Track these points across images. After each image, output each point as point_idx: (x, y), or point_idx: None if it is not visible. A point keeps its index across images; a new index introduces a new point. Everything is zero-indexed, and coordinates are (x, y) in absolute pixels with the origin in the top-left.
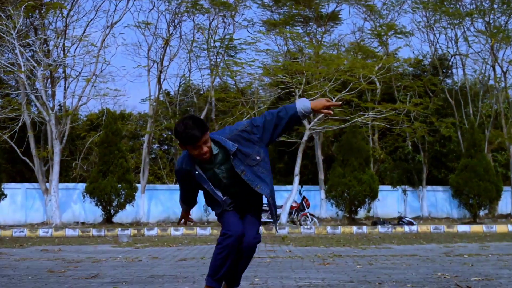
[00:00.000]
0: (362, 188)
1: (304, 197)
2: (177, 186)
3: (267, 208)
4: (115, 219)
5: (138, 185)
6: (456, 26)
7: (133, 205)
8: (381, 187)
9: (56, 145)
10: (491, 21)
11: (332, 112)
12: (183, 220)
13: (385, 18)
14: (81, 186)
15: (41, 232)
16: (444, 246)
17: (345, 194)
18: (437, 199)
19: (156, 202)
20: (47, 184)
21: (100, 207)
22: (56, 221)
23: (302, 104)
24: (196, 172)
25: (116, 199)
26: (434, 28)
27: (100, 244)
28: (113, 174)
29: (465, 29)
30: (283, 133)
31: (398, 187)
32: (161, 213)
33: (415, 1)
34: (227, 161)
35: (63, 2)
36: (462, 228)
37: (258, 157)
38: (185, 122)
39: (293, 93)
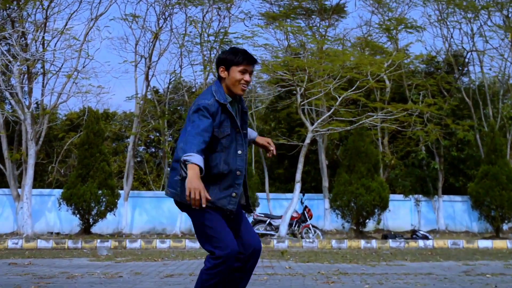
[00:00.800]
0: (371, 197)
1: (306, 207)
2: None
3: (264, 219)
4: (94, 229)
5: (121, 191)
6: (472, 20)
7: (114, 214)
8: (392, 196)
9: (31, 146)
10: (509, 15)
11: (269, 155)
12: (202, 195)
13: (395, 12)
14: (57, 192)
15: (10, 243)
16: (463, 264)
17: (352, 204)
18: (454, 211)
19: (140, 211)
20: (19, 190)
21: (78, 215)
22: (28, 231)
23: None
24: (229, 108)
25: (96, 207)
26: (448, 22)
27: (76, 257)
28: (94, 179)
29: (482, 23)
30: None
31: (411, 196)
32: (146, 223)
33: None
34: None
35: None
36: (483, 243)
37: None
38: (241, 49)
39: (294, 91)
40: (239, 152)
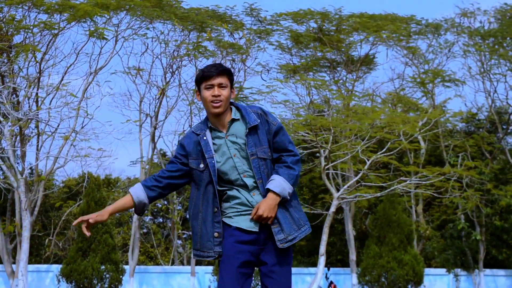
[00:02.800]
0: (404, 272)
1: (331, 282)
2: (174, 268)
3: None
4: None
5: (126, 266)
6: None
7: None
8: (427, 270)
9: (25, 217)
10: None
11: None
12: (83, 221)
13: (431, 63)
14: (56, 267)
15: None
16: None
17: (383, 279)
18: (497, 286)
19: None
20: (13, 266)
21: None
22: None
23: (272, 182)
24: (204, 138)
25: (99, 284)
26: (491, 75)
27: None
28: (95, 253)
29: None
30: None
31: (445, 270)
32: None
33: (466, 43)
34: (243, 136)
35: (36, 44)
36: None
37: (269, 153)
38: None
39: (318, 154)
40: (215, 190)
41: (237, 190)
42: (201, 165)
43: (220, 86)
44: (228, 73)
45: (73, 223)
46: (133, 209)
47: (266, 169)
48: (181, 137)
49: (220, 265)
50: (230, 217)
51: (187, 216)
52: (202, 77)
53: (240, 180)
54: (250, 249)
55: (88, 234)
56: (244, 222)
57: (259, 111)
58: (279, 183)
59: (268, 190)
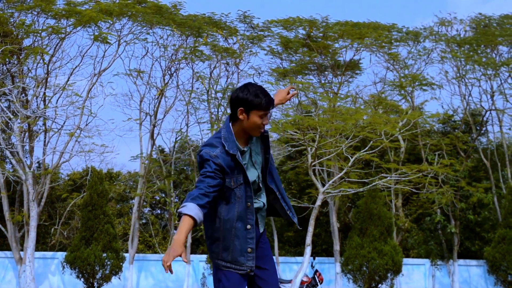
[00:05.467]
0: (384, 261)
1: (316, 271)
2: None
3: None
4: None
5: (126, 254)
6: (492, 78)
7: (119, 278)
8: (405, 260)
9: (33, 207)
10: None
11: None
12: (165, 266)
13: (411, 68)
14: (61, 255)
15: None
16: None
17: (364, 268)
18: (470, 275)
19: (146, 275)
20: (21, 253)
21: (82, 279)
22: None
23: None
24: (239, 157)
25: (101, 271)
26: (466, 80)
27: None
28: (98, 242)
29: (502, 81)
30: None
31: (425, 260)
32: (152, 287)
33: (443, 50)
34: (260, 153)
35: (44, 47)
36: None
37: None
38: (259, 87)
39: (305, 152)
40: (248, 204)
41: (257, 198)
42: (233, 182)
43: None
44: None
45: (167, 269)
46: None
47: (274, 170)
48: (209, 154)
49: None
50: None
51: (206, 231)
52: (266, 107)
53: (257, 184)
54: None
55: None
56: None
57: None
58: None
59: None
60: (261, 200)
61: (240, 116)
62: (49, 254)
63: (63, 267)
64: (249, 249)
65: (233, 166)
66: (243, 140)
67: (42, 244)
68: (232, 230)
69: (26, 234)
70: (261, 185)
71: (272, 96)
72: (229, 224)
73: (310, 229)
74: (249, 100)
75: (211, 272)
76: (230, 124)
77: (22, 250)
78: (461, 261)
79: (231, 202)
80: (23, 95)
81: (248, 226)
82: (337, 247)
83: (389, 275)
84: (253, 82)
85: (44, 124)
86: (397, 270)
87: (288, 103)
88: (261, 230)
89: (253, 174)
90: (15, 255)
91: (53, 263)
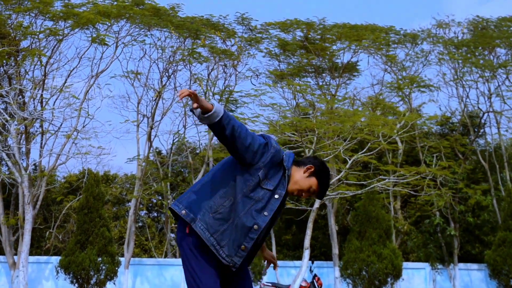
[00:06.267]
0: (383, 265)
1: (315, 275)
2: (167, 260)
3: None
4: None
5: (121, 258)
6: (489, 80)
7: (114, 283)
8: (405, 264)
9: (28, 211)
10: None
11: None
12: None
13: (408, 70)
14: (55, 259)
15: None
16: None
17: (364, 272)
18: (471, 279)
19: (142, 280)
20: (15, 257)
21: (76, 284)
22: None
23: None
24: (286, 176)
25: (95, 276)
26: (464, 82)
27: None
28: (93, 246)
29: (499, 83)
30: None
31: (426, 264)
32: None
33: (441, 52)
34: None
35: (42, 48)
36: None
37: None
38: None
39: (303, 154)
40: (265, 213)
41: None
42: (266, 181)
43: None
44: None
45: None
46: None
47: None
48: (275, 141)
49: None
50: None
51: (213, 204)
52: (321, 189)
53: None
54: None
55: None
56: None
57: None
58: None
59: None
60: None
61: (306, 171)
62: (43, 258)
63: (57, 272)
64: (243, 246)
65: (278, 173)
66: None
67: (36, 248)
68: (237, 219)
69: (20, 238)
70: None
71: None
72: (239, 211)
73: (308, 232)
74: (325, 173)
75: None
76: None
77: (16, 254)
78: (462, 265)
79: (250, 196)
80: (20, 97)
81: (255, 226)
82: (335, 250)
83: (389, 279)
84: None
85: (41, 126)
86: (397, 275)
87: (286, 106)
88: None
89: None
90: (8, 259)
91: (47, 267)
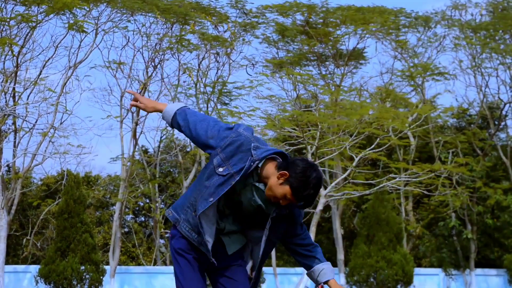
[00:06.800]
0: (393, 272)
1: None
2: (157, 268)
3: None
4: None
5: (106, 267)
6: (511, 67)
7: None
8: (417, 270)
9: (2, 216)
10: None
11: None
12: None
13: (421, 57)
14: (34, 268)
15: None
16: None
17: (371, 279)
18: (489, 286)
19: None
20: None
21: None
22: None
23: (328, 271)
24: (251, 164)
25: (79, 285)
26: (482, 69)
27: None
28: (75, 253)
29: None
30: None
31: (439, 270)
32: None
33: (457, 36)
34: (266, 203)
35: (13, 37)
36: None
37: (280, 238)
38: (319, 179)
39: (304, 150)
40: (210, 199)
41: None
42: (224, 171)
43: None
44: None
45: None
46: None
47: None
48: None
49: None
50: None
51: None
52: (297, 202)
53: (227, 224)
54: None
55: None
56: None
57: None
58: (331, 270)
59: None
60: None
61: (279, 177)
62: (21, 267)
63: (37, 282)
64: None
65: (241, 161)
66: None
67: (13, 256)
68: (195, 204)
69: None
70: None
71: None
72: (194, 200)
73: (311, 236)
74: (301, 183)
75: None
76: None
77: None
78: (479, 270)
79: (205, 184)
80: None
81: (194, 213)
82: (341, 256)
83: (399, 286)
84: (321, 176)
85: (14, 123)
86: (408, 281)
87: (285, 98)
88: (229, 252)
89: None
90: None
91: (26, 277)
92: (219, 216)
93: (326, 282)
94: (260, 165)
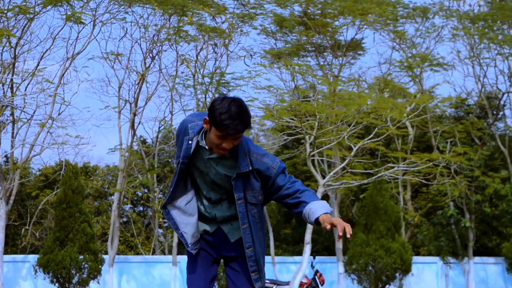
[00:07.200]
0: (391, 260)
1: (317, 271)
2: (155, 257)
3: (270, 285)
4: None
5: (105, 256)
6: (508, 57)
7: (98, 282)
8: (415, 258)
9: (1, 206)
10: None
11: (340, 234)
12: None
13: (419, 48)
14: (33, 258)
15: None
16: None
17: (370, 268)
18: (487, 274)
19: (128, 278)
20: None
21: (57, 284)
22: None
23: (317, 208)
24: (189, 142)
25: (77, 275)
26: (480, 60)
27: None
28: (73, 243)
29: None
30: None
31: (437, 258)
32: None
33: (455, 27)
34: (230, 170)
35: (11, 28)
36: None
37: (260, 197)
38: (238, 105)
39: (303, 140)
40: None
41: (200, 201)
42: (174, 161)
43: (235, 140)
44: (249, 127)
45: None
46: None
47: (257, 213)
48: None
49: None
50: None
51: None
52: (227, 134)
53: (207, 191)
54: (209, 246)
55: None
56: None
57: (262, 157)
58: (322, 206)
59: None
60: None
61: (205, 126)
62: (19, 257)
63: (36, 271)
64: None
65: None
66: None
67: (11, 246)
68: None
69: None
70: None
71: (246, 122)
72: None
73: (310, 225)
74: (215, 113)
75: None
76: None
77: None
78: (477, 259)
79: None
80: None
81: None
82: (339, 245)
83: (397, 275)
84: (239, 99)
85: (12, 114)
86: (406, 270)
87: (284, 88)
88: (231, 240)
89: (202, 178)
90: None
91: (24, 267)
92: (211, 205)
93: (317, 221)
94: (202, 139)
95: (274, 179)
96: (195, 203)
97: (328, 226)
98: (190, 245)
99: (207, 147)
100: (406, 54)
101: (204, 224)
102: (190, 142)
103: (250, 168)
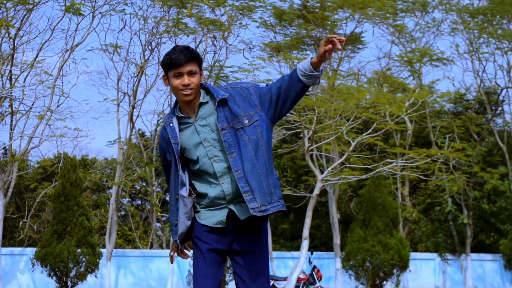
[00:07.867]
0: (389, 256)
1: (314, 267)
2: (153, 252)
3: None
4: None
5: (103, 250)
6: (507, 52)
7: (96, 276)
8: (413, 254)
9: None
10: None
11: (339, 47)
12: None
13: (418, 42)
14: (30, 251)
15: None
16: None
17: (367, 264)
18: (485, 271)
19: (125, 272)
20: None
21: (54, 278)
22: None
23: (303, 62)
24: (170, 125)
25: (75, 268)
26: (479, 54)
27: None
28: (71, 236)
29: None
30: (288, 105)
31: (435, 254)
32: (132, 286)
33: (454, 21)
34: (213, 113)
35: (10, 19)
36: None
37: (246, 121)
38: (175, 46)
39: (301, 135)
40: (175, 175)
41: (207, 183)
42: (170, 156)
43: (190, 73)
44: (197, 58)
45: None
46: None
47: (246, 136)
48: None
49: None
50: (198, 211)
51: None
52: (170, 65)
53: (210, 166)
54: (220, 239)
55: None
56: (211, 219)
57: (232, 85)
58: (307, 58)
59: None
60: (213, 189)
61: (165, 83)
62: (17, 250)
63: (33, 265)
64: (175, 222)
65: (167, 139)
66: (191, 111)
67: (9, 239)
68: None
69: None
70: (224, 169)
71: (190, 52)
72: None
73: (308, 220)
74: (163, 63)
75: None
76: None
77: None
78: (475, 255)
79: (170, 174)
80: None
81: (176, 196)
82: (337, 240)
83: (395, 271)
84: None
85: (11, 105)
86: (403, 266)
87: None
88: (241, 218)
89: (198, 150)
90: None
91: (22, 260)
92: (218, 182)
93: (313, 66)
94: (177, 111)
95: (258, 92)
96: (191, 208)
97: (324, 48)
98: (177, 237)
99: (183, 115)
100: (406, 49)
101: (216, 212)
102: (171, 124)
103: (227, 94)
